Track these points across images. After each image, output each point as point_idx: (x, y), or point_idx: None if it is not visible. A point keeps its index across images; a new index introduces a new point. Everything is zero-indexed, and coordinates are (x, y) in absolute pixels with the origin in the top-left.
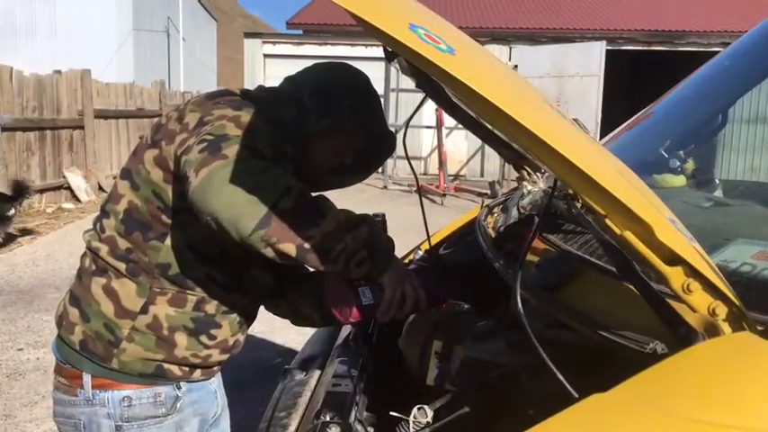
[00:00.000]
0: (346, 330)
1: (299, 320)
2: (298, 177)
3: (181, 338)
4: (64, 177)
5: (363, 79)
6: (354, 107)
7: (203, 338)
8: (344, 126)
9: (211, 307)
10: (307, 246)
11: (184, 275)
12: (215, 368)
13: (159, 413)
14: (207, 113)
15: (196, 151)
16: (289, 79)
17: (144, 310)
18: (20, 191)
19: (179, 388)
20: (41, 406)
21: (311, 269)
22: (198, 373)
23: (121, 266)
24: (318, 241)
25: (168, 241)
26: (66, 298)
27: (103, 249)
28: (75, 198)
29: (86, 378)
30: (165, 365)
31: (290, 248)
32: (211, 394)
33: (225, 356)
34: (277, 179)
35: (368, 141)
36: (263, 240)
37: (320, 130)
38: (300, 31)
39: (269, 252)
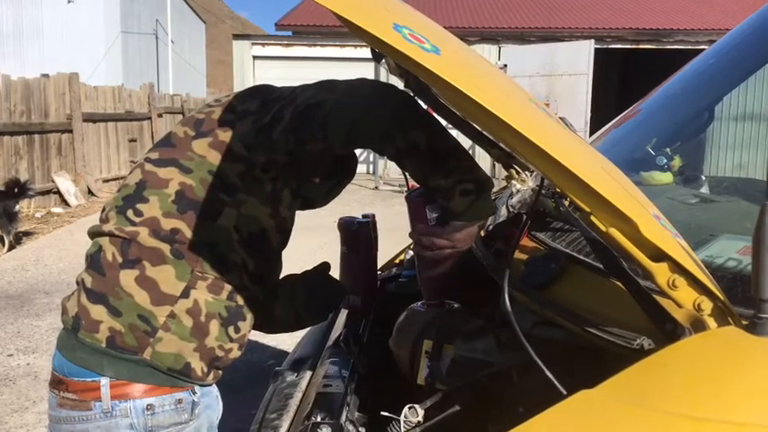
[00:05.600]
0: (337, 331)
1: (268, 323)
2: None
3: (214, 327)
4: (53, 182)
5: None
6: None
7: (231, 330)
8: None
9: (240, 298)
10: (431, 142)
11: (225, 259)
12: (221, 371)
13: (182, 419)
14: (268, 96)
15: (306, 94)
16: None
17: (185, 294)
18: (21, 189)
19: (194, 393)
20: (32, 411)
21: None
22: (212, 375)
23: (165, 247)
24: (441, 142)
25: (219, 220)
26: (81, 297)
27: (143, 233)
28: (65, 202)
29: (104, 389)
30: (192, 363)
31: (419, 140)
32: (215, 398)
33: (239, 354)
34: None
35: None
36: (395, 126)
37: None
38: (290, 33)
39: (394, 145)
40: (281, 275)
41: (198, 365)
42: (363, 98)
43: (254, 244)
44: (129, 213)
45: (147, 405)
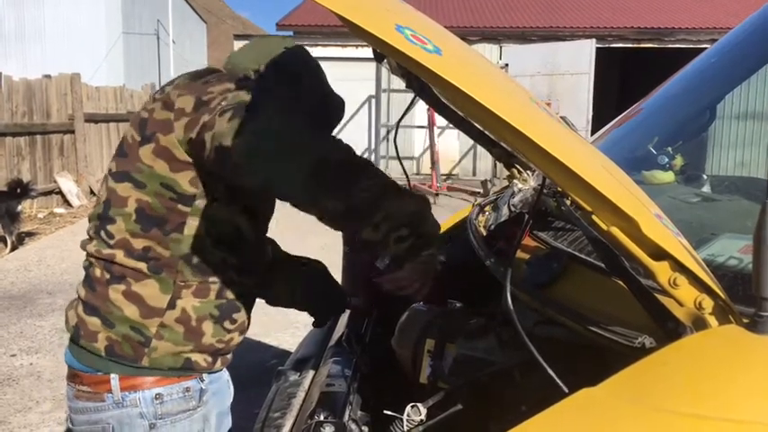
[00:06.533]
0: (339, 331)
1: (269, 301)
2: None
3: (207, 327)
4: (55, 182)
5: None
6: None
7: (227, 324)
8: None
9: (230, 292)
10: (351, 204)
11: (206, 263)
12: (230, 355)
13: (190, 406)
14: (203, 93)
15: (224, 122)
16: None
17: (171, 305)
18: (24, 189)
19: (202, 380)
20: (35, 411)
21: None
22: (219, 362)
23: (142, 266)
24: (361, 202)
25: (187, 230)
26: (79, 308)
27: (119, 254)
28: (67, 203)
29: (114, 382)
30: (193, 357)
31: (337, 206)
32: (226, 384)
33: (242, 338)
34: (320, 136)
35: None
36: (310, 194)
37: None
38: (291, 33)
39: (315, 209)
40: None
41: (200, 359)
42: (275, 159)
43: (230, 242)
44: (103, 235)
45: (156, 394)
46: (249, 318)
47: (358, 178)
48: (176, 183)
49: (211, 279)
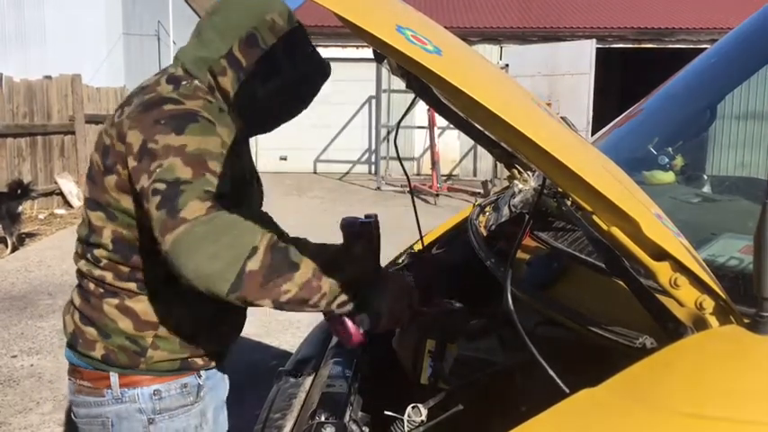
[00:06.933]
0: None
1: None
2: (252, 125)
3: (203, 334)
4: (55, 183)
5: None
6: (290, 51)
7: (223, 327)
8: (290, 78)
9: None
10: (284, 299)
11: None
12: (227, 351)
13: (188, 402)
14: (150, 138)
15: (153, 206)
16: (202, 33)
17: (164, 319)
18: (24, 190)
19: (200, 377)
20: (36, 413)
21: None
22: (216, 360)
23: (132, 286)
24: (295, 294)
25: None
26: (75, 317)
27: (108, 276)
28: (68, 204)
29: (114, 378)
30: (190, 359)
31: (267, 303)
32: (221, 379)
33: (238, 335)
34: (243, 235)
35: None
36: (238, 299)
37: (269, 91)
38: None
39: (249, 305)
40: None
41: (197, 359)
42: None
43: None
44: (90, 258)
45: (155, 391)
46: (245, 315)
47: (281, 282)
48: (143, 218)
49: (201, 291)
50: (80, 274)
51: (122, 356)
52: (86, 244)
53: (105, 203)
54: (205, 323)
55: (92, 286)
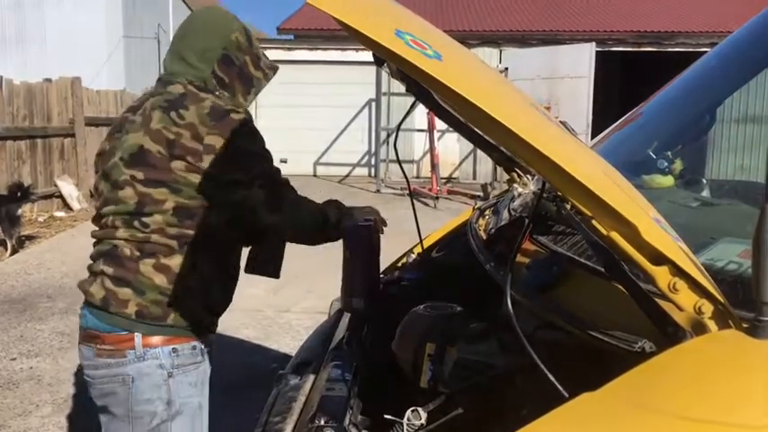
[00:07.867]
0: (340, 335)
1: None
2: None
3: (216, 290)
4: (55, 186)
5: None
6: (257, 64)
7: (230, 284)
8: (261, 87)
9: (236, 263)
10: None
11: (222, 241)
12: (217, 323)
13: (197, 360)
14: (230, 142)
15: (261, 195)
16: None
17: (193, 272)
18: (24, 193)
19: (202, 343)
20: (35, 415)
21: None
22: (212, 331)
23: (174, 243)
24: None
25: (210, 219)
26: (107, 283)
27: (154, 237)
28: (67, 206)
29: (138, 339)
30: (204, 321)
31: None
32: (207, 355)
33: (226, 307)
34: (305, 202)
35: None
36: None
37: (249, 102)
38: (291, 36)
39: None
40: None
41: (206, 320)
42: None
43: (241, 224)
44: (137, 224)
45: (173, 349)
46: (233, 292)
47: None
48: (203, 189)
49: (226, 250)
50: (111, 244)
51: (154, 309)
52: (133, 215)
53: (173, 182)
54: (220, 279)
55: (128, 252)
